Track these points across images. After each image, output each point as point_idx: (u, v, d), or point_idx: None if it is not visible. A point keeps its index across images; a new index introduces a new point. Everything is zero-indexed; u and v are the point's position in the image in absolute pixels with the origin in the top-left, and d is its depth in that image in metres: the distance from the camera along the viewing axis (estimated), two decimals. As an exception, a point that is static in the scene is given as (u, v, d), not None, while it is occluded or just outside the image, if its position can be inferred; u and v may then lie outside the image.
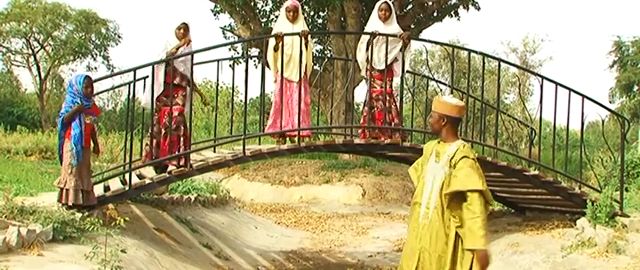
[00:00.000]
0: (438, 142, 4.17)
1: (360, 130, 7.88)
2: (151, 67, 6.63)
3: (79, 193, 5.73)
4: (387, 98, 7.40)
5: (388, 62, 7.24)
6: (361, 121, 7.74)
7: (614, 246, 5.98)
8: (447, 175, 4.00)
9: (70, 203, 5.70)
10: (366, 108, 7.59)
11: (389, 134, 7.42)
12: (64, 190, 5.73)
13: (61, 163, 5.88)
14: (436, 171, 4.06)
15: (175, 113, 6.70)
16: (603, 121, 8.13)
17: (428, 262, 4.01)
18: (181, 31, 6.80)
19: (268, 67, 7.55)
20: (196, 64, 6.99)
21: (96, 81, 6.68)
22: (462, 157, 3.96)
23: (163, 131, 6.73)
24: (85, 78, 5.91)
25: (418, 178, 4.23)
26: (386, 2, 7.41)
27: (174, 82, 6.72)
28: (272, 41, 7.33)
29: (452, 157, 3.99)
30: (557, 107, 7.33)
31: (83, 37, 29.45)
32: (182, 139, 6.72)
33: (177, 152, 6.68)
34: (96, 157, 7.07)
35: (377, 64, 7.32)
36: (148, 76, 6.77)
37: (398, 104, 7.67)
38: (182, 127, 6.75)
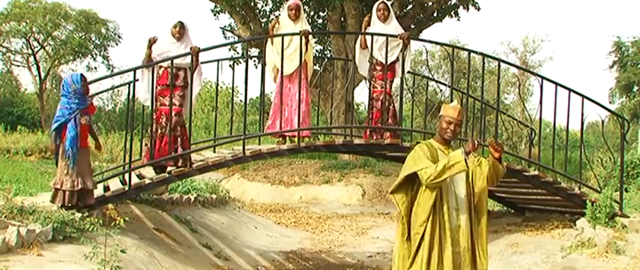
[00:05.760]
0: (442, 146, 4.27)
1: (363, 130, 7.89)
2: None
3: (74, 194, 5.72)
4: (387, 98, 7.41)
5: (389, 61, 7.24)
6: (366, 121, 7.75)
7: (613, 246, 5.98)
8: (463, 177, 4.19)
9: (64, 204, 5.68)
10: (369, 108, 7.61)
11: (381, 133, 7.43)
12: (60, 191, 5.72)
13: (57, 165, 5.86)
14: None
15: (173, 113, 6.67)
16: (603, 122, 8.12)
17: (465, 262, 4.14)
18: (177, 28, 6.74)
19: (266, 65, 7.55)
20: (201, 63, 6.99)
21: (96, 81, 6.69)
22: (476, 157, 4.24)
23: (160, 131, 6.71)
24: (81, 75, 5.89)
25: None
26: (383, 2, 7.43)
27: (175, 82, 6.69)
28: (276, 42, 7.31)
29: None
30: (557, 107, 7.34)
31: (83, 37, 29.44)
32: (180, 139, 6.69)
33: (174, 152, 6.67)
34: (97, 156, 7.06)
35: (378, 56, 7.30)
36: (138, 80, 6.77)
37: (397, 105, 7.67)
38: (179, 128, 6.71)
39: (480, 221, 4.25)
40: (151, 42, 6.65)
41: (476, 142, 4.05)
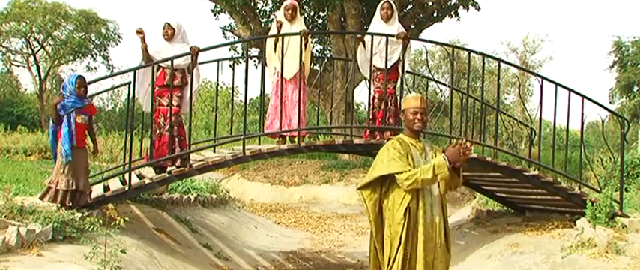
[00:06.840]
0: (413, 139, 4.13)
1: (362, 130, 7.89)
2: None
3: (68, 194, 5.70)
4: (390, 98, 7.41)
5: (391, 63, 7.23)
6: (366, 121, 7.75)
7: (613, 246, 5.98)
8: None
9: (57, 204, 5.67)
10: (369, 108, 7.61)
11: (381, 133, 7.43)
12: (54, 190, 5.71)
13: (55, 163, 5.87)
14: None
15: (171, 113, 6.65)
16: (603, 122, 8.12)
17: (439, 256, 4.05)
18: (165, 30, 6.72)
19: (266, 65, 7.56)
20: (200, 63, 6.99)
21: (96, 81, 6.67)
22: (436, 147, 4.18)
23: (158, 131, 6.70)
24: (77, 78, 5.88)
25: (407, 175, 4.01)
26: (388, 1, 7.40)
27: (175, 82, 6.67)
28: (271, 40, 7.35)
29: (432, 151, 4.14)
30: (557, 107, 7.33)
31: (83, 37, 29.47)
32: (177, 139, 6.68)
33: (171, 152, 6.66)
34: (95, 157, 7.03)
35: (377, 62, 7.31)
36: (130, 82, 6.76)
37: (398, 105, 7.67)
38: (176, 127, 6.69)
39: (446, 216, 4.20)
40: (140, 34, 6.59)
41: (461, 150, 3.83)
